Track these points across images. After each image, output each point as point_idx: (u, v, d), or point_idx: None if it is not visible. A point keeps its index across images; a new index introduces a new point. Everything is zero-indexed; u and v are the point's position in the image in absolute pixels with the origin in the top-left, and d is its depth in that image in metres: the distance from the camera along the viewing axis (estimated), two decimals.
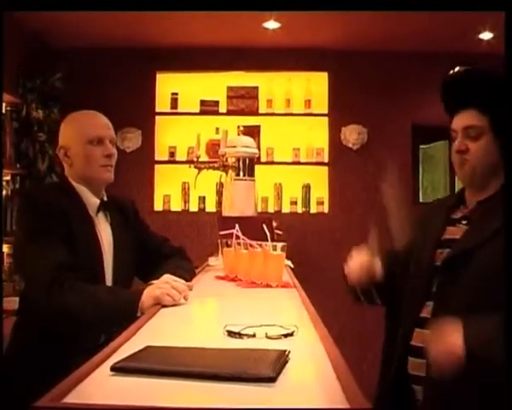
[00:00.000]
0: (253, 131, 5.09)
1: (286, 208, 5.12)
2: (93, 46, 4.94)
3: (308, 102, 5.05)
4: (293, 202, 5.11)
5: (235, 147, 3.32)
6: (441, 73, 5.01)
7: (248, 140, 3.41)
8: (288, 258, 3.63)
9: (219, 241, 2.61)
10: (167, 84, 5.17)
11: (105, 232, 2.17)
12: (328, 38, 4.66)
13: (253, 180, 3.37)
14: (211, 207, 5.02)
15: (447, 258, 1.75)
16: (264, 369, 0.95)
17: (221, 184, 3.61)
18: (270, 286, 2.20)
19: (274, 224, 3.46)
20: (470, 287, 1.67)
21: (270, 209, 5.11)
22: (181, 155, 5.06)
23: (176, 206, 5.14)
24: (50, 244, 1.92)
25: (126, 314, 1.69)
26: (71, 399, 0.88)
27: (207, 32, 4.62)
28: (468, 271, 1.68)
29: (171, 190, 5.10)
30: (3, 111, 4.29)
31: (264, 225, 2.44)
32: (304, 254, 4.63)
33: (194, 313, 1.73)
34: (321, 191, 5.09)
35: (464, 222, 1.81)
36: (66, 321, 1.82)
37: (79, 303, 1.80)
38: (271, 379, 0.93)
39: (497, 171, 1.78)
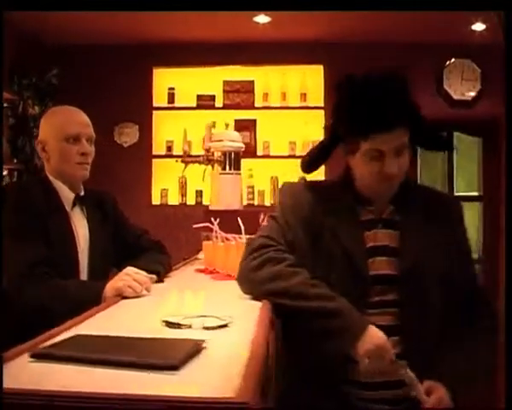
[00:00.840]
0: (249, 125, 5.14)
1: None
2: (89, 43, 5.01)
3: (304, 96, 5.08)
4: None
5: (221, 141, 3.35)
6: (435, 63, 5.01)
7: (235, 134, 3.45)
8: None
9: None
10: (164, 79, 5.24)
11: (80, 226, 2.21)
12: (322, 30, 4.68)
13: (239, 174, 3.39)
14: (208, 200, 5.06)
15: (407, 268, 1.68)
16: (169, 358, 0.99)
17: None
18: None
19: (265, 216, 3.50)
20: (435, 293, 1.70)
21: (267, 202, 5.15)
22: (178, 150, 5.11)
23: (173, 200, 5.20)
24: (24, 241, 1.96)
25: (91, 305, 1.73)
26: None
27: (201, 27, 4.67)
28: (430, 278, 1.69)
29: (168, 184, 5.15)
30: None
31: (239, 219, 2.48)
32: None
33: (151, 304, 1.76)
34: None
35: (380, 225, 1.72)
36: (38, 314, 1.88)
37: (48, 297, 1.85)
38: (174, 367, 0.97)
39: None
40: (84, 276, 2.17)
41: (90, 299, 1.78)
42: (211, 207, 3.39)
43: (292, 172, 5.12)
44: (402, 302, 1.68)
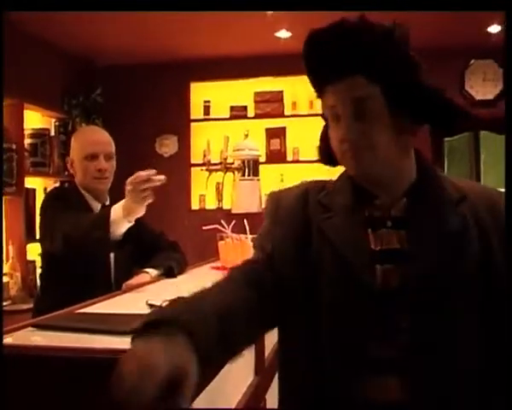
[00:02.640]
0: (279, 133, 5.48)
1: None
2: (130, 62, 5.47)
3: None
4: None
5: (242, 150, 3.68)
6: (456, 67, 5.19)
7: (253, 143, 3.77)
8: None
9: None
10: (200, 92, 5.65)
11: None
12: None
13: (258, 179, 3.69)
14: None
15: (418, 279, 1.25)
16: (122, 327, 1.32)
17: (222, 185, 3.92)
18: None
19: None
20: (464, 320, 1.23)
21: None
22: (214, 158, 5.46)
23: (211, 204, 5.59)
24: (63, 216, 2.36)
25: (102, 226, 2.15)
26: None
27: (230, 44, 5.07)
28: (456, 296, 1.23)
29: (205, 190, 5.51)
30: (52, 126, 4.88)
31: (245, 221, 2.81)
32: None
33: (153, 292, 2.07)
34: None
35: (390, 224, 1.30)
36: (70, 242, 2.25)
37: (69, 228, 2.25)
38: (126, 333, 1.31)
39: (402, 154, 1.30)
40: (111, 273, 2.54)
41: (101, 223, 2.19)
42: (232, 211, 3.72)
43: (320, 176, 5.38)
44: (413, 330, 1.22)
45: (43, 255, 2.63)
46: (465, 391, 1.21)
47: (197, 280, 2.53)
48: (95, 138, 2.58)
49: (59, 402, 1.20)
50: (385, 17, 1.26)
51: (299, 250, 1.34)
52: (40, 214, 2.55)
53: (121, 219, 2.17)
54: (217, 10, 3.93)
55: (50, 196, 2.63)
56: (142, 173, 2.08)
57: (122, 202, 2.15)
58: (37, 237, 2.74)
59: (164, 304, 1.61)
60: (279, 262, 1.34)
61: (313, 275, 1.30)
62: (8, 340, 1.31)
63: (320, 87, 1.33)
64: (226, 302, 1.20)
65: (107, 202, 2.61)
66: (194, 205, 5.61)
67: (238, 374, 1.84)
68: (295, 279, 1.32)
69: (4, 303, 3.87)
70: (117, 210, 2.17)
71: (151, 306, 1.69)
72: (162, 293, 1.96)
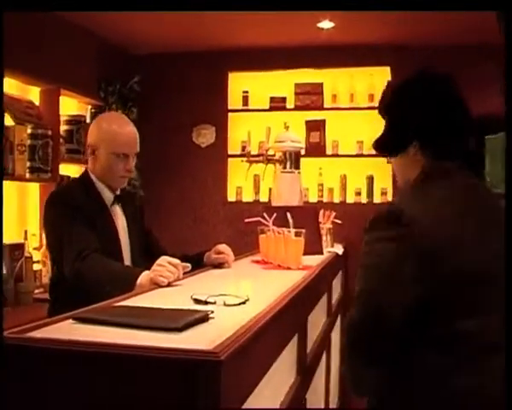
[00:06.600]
0: (318, 125, 5.35)
1: (350, 199, 5.34)
2: (169, 51, 5.39)
3: (371, 96, 5.21)
4: (358, 193, 5.32)
5: (284, 142, 3.57)
6: (498, 64, 5.00)
7: (295, 135, 3.66)
8: (344, 245, 3.86)
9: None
10: (238, 83, 5.55)
11: (120, 220, 2.53)
12: (387, 34, 4.80)
13: (299, 172, 3.59)
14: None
15: None
16: (173, 323, 1.23)
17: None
18: (290, 269, 2.46)
19: (330, 213, 3.70)
20: None
21: (336, 199, 5.33)
22: (252, 149, 5.37)
23: (247, 197, 5.49)
24: (74, 231, 2.27)
25: (125, 285, 1.96)
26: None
27: (271, 34, 4.94)
28: None
29: (243, 182, 5.42)
30: (88, 113, 4.82)
31: (288, 214, 2.70)
32: None
33: (198, 285, 2.00)
34: (384, 182, 5.24)
35: None
36: (85, 282, 2.15)
37: (94, 270, 2.15)
38: (178, 329, 1.21)
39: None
40: (126, 259, 2.48)
41: (127, 280, 2.03)
42: (273, 204, 3.61)
43: (360, 170, 5.31)
44: None
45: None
46: None
47: (239, 273, 2.45)
48: (127, 137, 2.46)
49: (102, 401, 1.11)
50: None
51: None
52: (45, 224, 2.44)
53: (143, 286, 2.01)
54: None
55: (54, 202, 2.44)
56: (177, 262, 2.03)
57: (150, 274, 2.00)
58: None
59: (209, 299, 1.54)
60: None
61: None
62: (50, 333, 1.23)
63: None
64: None
65: (118, 192, 2.54)
66: (231, 197, 5.51)
67: (281, 375, 1.76)
68: None
69: (36, 291, 3.82)
70: (143, 279, 2.02)
71: (196, 301, 1.59)
72: (205, 287, 1.94)
